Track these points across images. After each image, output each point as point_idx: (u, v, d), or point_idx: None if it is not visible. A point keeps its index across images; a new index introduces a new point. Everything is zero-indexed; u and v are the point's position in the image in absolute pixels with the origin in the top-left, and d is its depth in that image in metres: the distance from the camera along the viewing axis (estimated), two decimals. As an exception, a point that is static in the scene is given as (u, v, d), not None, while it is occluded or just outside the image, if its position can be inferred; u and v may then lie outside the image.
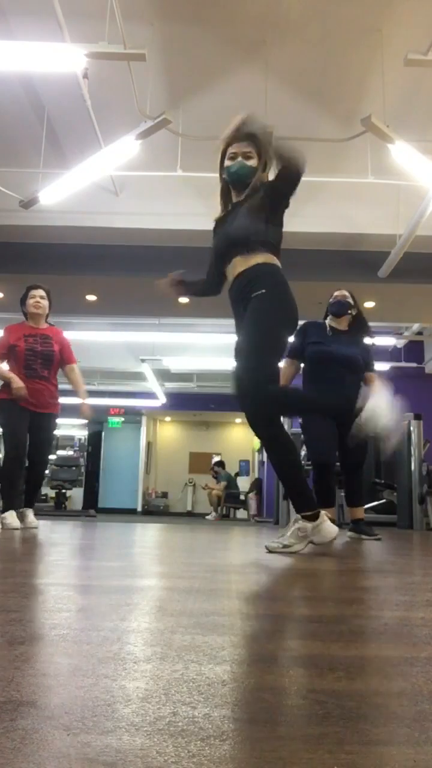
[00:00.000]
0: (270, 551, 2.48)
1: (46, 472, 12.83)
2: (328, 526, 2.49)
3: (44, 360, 4.16)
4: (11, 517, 3.91)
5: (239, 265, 2.65)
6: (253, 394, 2.45)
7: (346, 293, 4.26)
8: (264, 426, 2.55)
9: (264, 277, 2.61)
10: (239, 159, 2.78)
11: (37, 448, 4.17)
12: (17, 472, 4.06)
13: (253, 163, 2.78)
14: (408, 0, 4.32)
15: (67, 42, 3.86)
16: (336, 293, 4.28)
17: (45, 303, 4.28)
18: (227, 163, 2.81)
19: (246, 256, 2.64)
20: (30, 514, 4.15)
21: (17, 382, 3.99)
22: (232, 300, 2.72)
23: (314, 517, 2.48)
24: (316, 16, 4.50)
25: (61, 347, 4.27)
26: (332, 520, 3.99)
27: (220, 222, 2.86)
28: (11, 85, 5.11)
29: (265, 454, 11.20)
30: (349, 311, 4.21)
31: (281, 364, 3.94)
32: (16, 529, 3.85)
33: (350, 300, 4.23)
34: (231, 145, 2.81)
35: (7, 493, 4.04)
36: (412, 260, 6.51)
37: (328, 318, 4.23)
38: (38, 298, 4.25)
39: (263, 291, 2.56)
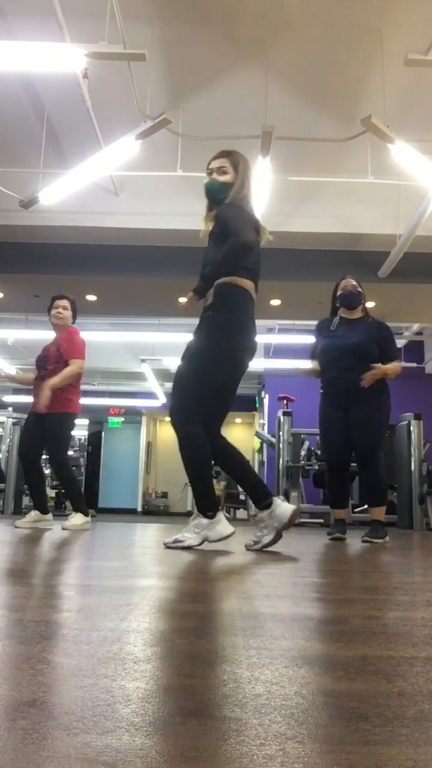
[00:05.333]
0: (167, 546, 2.60)
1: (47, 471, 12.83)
2: (223, 526, 2.64)
3: (43, 361, 4.31)
4: None
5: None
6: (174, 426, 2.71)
7: (354, 282, 4.10)
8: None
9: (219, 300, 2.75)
10: (213, 175, 2.83)
11: (47, 449, 4.31)
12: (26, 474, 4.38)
13: (227, 178, 2.81)
14: (408, 0, 4.32)
15: (67, 42, 3.86)
16: (343, 283, 4.10)
17: (66, 314, 4.38)
18: (205, 179, 2.87)
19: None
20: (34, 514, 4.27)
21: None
22: None
23: (212, 516, 2.64)
24: (316, 16, 4.50)
25: (59, 345, 4.32)
26: (342, 520, 3.96)
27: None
28: (11, 85, 5.11)
29: (265, 455, 11.21)
30: (362, 301, 4.09)
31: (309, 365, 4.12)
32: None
33: (360, 289, 4.08)
34: (209, 162, 2.89)
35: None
36: (412, 260, 6.51)
37: (340, 310, 4.09)
38: (60, 309, 4.37)
39: (210, 313, 2.75)
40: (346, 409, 3.87)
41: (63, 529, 3.98)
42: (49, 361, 4.26)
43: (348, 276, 4.15)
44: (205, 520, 2.61)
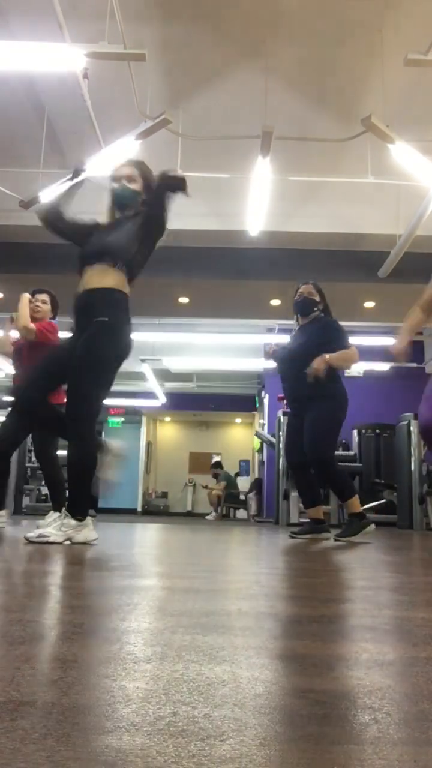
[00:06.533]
0: (30, 541, 2.57)
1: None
2: (89, 531, 2.69)
3: (18, 356, 4.25)
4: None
5: (94, 279, 2.77)
6: (77, 425, 2.71)
7: (312, 288, 4.01)
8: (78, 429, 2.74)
9: (110, 305, 2.78)
10: (123, 182, 2.93)
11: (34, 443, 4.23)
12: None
13: (136, 186, 2.93)
14: (408, 0, 4.32)
15: (67, 42, 3.85)
16: (301, 288, 4.04)
17: (45, 308, 4.33)
18: (112, 184, 2.97)
19: (103, 271, 2.78)
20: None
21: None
22: (76, 307, 2.81)
23: (81, 520, 2.66)
24: (316, 16, 4.50)
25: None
26: (320, 521, 3.99)
27: (101, 228, 2.96)
28: (11, 85, 5.11)
29: (265, 455, 11.21)
30: (315, 309, 3.99)
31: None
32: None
33: (315, 297, 3.99)
34: (116, 169, 3.00)
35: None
36: (412, 260, 6.51)
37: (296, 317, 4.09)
38: (39, 302, 4.32)
39: (105, 319, 2.74)
40: (303, 416, 3.93)
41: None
42: (21, 354, 4.21)
43: (310, 281, 4.09)
44: (74, 522, 2.62)
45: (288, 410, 4.18)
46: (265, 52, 4.74)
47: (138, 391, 13.42)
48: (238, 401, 14.53)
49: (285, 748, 0.49)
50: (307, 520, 4.22)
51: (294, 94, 5.22)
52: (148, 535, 4.01)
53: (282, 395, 8.04)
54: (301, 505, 4.24)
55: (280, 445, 7.92)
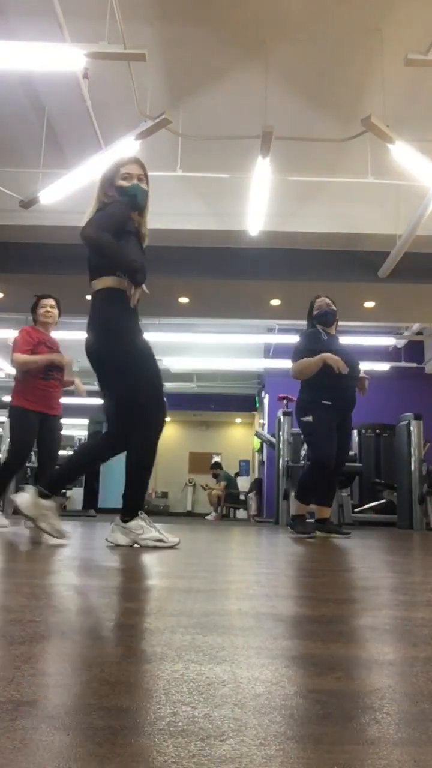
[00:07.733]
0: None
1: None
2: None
3: (58, 366, 4.22)
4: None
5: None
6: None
7: (329, 300, 4.26)
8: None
9: None
10: (135, 181, 2.78)
11: (50, 449, 4.23)
12: (14, 476, 4.31)
13: (146, 187, 2.82)
14: (408, 0, 4.32)
15: (67, 42, 3.86)
16: (318, 302, 4.26)
17: (55, 312, 4.33)
18: (122, 183, 2.78)
19: None
20: None
21: (62, 357, 4.14)
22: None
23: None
24: (316, 16, 4.50)
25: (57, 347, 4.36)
26: (322, 520, 4.05)
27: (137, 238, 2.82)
28: (11, 85, 5.11)
29: (265, 455, 11.21)
30: (336, 319, 4.29)
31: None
32: (4, 527, 3.97)
33: (334, 308, 4.25)
34: (123, 166, 2.82)
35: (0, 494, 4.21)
36: (412, 260, 6.51)
37: (317, 327, 4.24)
38: (48, 308, 4.30)
39: None
40: (336, 420, 4.09)
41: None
42: (59, 367, 4.21)
43: (322, 295, 4.34)
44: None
45: (306, 411, 4.18)
46: (265, 52, 4.74)
47: (138, 391, 13.40)
48: (238, 401, 14.53)
49: (285, 748, 0.49)
50: (309, 521, 4.26)
51: (294, 94, 5.22)
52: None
53: (283, 395, 8.02)
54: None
55: (281, 445, 7.91)
